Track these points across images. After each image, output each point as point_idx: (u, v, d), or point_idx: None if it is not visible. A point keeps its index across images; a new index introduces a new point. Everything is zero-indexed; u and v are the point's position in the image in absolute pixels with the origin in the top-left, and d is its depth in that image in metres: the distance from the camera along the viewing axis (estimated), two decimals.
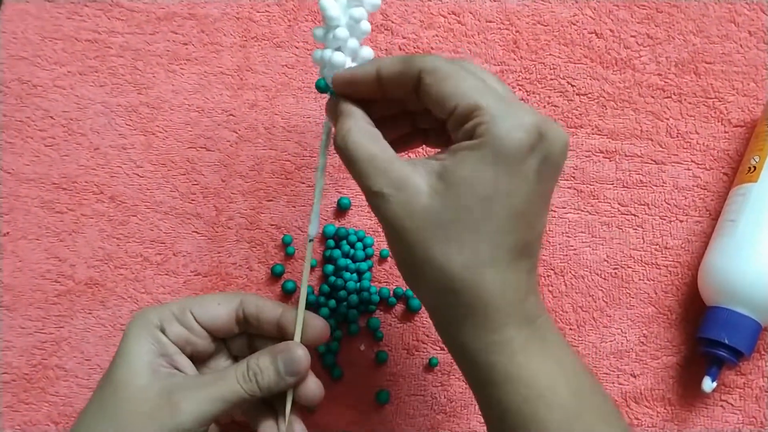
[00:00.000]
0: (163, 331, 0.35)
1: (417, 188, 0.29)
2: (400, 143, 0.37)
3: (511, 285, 0.29)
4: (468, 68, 0.31)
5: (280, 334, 0.36)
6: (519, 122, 0.28)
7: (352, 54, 0.34)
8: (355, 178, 0.31)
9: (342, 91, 0.34)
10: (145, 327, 0.34)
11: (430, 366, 0.44)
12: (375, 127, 0.32)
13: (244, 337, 0.38)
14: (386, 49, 0.49)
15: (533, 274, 0.30)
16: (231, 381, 0.33)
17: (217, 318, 0.36)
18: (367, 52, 0.35)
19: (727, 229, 0.42)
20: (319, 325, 0.36)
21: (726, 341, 0.40)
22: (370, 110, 0.33)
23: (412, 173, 0.29)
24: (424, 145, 0.38)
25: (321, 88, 0.35)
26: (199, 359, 0.36)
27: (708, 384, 0.40)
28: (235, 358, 0.38)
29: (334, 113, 0.34)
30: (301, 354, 0.34)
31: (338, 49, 0.34)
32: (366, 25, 0.34)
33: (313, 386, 0.36)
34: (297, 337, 0.35)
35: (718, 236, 0.43)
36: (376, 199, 0.30)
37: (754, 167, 0.43)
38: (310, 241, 0.37)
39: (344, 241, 0.45)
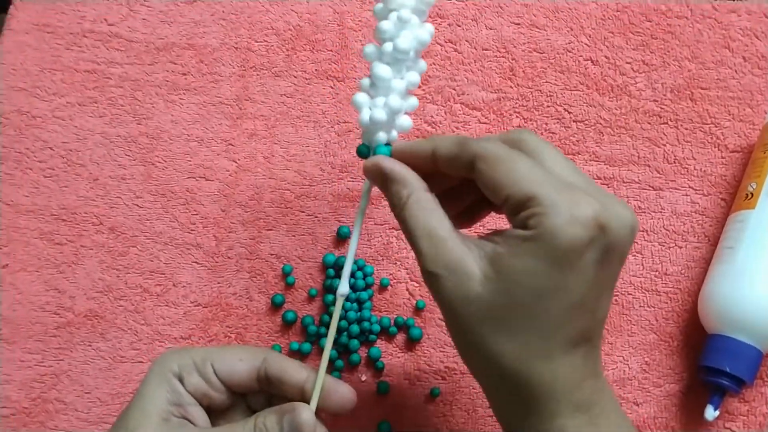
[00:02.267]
0: (181, 380, 0.34)
1: (470, 273, 0.28)
2: (467, 215, 0.36)
3: (563, 375, 0.28)
4: (529, 149, 0.29)
5: (304, 399, 0.34)
6: (576, 215, 0.27)
7: (395, 125, 0.34)
8: (412, 249, 0.31)
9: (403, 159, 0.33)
10: (163, 374, 0.33)
11: (432, 396, 0.44)
12: (432, 194, 0.31)
13: (263, 393, 0.37)
14: None
15: (591, 358, 0.29)
16: None
17: (237, 374, 0.34)
18: (407, 123, 0.35)
19: (726, 256, 0.42)
20: (344, 392, 0.34)
21: (728, 370, 0.40)
22: (433, 181, 0.32)
23: (466, 256, 0.29)
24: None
25: (363, 153, 0.34)
26: (215, 411, 0.35)
27: (711, 413, 0.40)
28: (252, 412, 0.36)
29: (380, 175, 0.32)
30: (307, 417, 0.32)
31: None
32: (414, 101, 0.35)
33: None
34: (313, 401, 0.34)
35: (716, 263, 0.43)
36: (429, 278, 0.30)
37: (752, 194, 0.43)
38: (341, 296, 0.35)
39: None
